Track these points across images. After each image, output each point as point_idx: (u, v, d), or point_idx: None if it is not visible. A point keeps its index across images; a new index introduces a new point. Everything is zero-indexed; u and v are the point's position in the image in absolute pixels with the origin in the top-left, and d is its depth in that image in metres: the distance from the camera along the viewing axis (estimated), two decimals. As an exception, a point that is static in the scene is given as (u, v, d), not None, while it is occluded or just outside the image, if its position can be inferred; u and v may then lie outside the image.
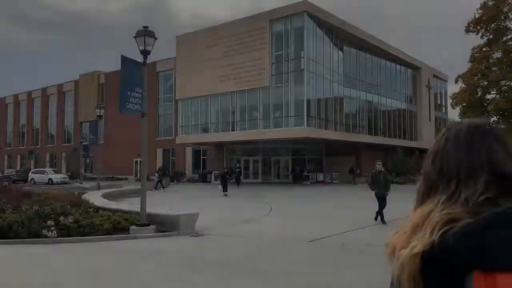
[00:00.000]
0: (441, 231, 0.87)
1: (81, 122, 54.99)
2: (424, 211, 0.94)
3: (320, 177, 36.54)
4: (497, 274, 0.80)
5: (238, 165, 35.88)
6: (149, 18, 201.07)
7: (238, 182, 28.74)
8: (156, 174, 30.04)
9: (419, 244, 0.88)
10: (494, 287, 0.80)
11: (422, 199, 1.00)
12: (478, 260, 0.82)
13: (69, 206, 11.30)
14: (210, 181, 37.52)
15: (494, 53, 24.47)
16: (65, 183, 41.10)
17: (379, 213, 11.73)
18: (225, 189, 23.05)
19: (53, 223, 9.77)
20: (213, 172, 38.41)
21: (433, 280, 0.87)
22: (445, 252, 0.85)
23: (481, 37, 25.32)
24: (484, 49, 24.84)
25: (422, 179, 1.04)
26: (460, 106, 25.14)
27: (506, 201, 0.88)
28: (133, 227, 10.38)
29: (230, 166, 34.07)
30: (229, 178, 24.57)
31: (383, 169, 12.04)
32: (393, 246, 0.95)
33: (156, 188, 27.78)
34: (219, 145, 39.87)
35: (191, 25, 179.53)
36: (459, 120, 1.15)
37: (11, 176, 42.65)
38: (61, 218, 10.04)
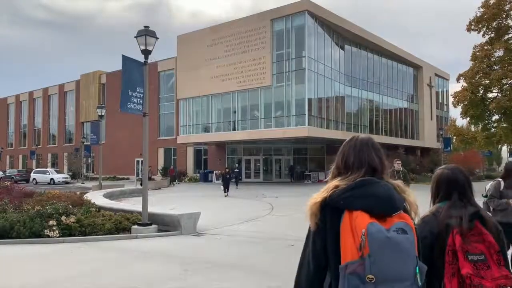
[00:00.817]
0: (331, 191, 1.66)
1: (83, 122, 55.04)
2: (331, 182, 1.74)
3: (322, 176, 36.49)
4: (354, 212, 1.57)
5: (237, 165, 35.82)
6: (150, 17, 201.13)
7: (237, 182, 28.36)
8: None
9: (319, 197, 1.68)
10: (352, 218, 1.56)
11: (332, 177, 1.80)
12: (346, 205, 1.60)
13: (71, 206, 11.31)
14: (211, 181, 37.52)
15: (495, 52, 24.37)
16: (67, 183, 41.16)
17: None
18: (226, 189, 22.69)
19: (55, 223, 9.77)
20: (214, 172, 38.42)
21: (325, 216, 1.64)
22: (331, 201, 1.64)
23: (483, 35, 25.21)
24: (485, 47, 24.72)
25: (334, 167, 1.84)
26: (462, 104, 25.01)
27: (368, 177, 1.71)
28: (134, 226, 10.39)
29: (231, 166, 34.07)
30: (230, 178, 24.27)
31: (401, 168, 10.72)
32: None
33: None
34: (221, 145, 39.87)
35: (191, 24, 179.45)
36: (356, 134, 1.91)
37: (13, 176, 42.69)
38: (63, 218, 10.04)
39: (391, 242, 1.50)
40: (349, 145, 1.83)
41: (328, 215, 1.62)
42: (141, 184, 17.78)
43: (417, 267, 1.55)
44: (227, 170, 24.72)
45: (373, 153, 1.78)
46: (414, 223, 1.65)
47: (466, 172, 2.20)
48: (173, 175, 35.22)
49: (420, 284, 1.55)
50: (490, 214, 2.14)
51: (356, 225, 1.54)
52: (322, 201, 1.65)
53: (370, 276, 1.47)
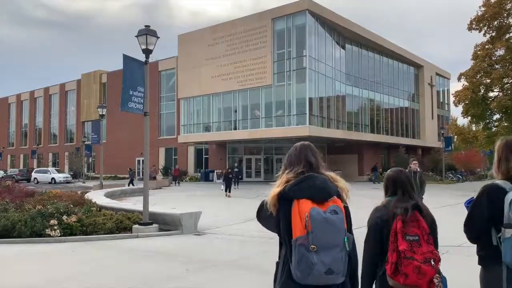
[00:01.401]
0: (283, 186, 2.21)
1: (84, 122, 55.09)
2: (282, 177, 2.30)
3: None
4: (300, 200, 2.10)
5: (236, 164, 35.74)
6: (149, 16, 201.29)
7: (237, 182, 27.96)
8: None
9: (276, 191, 2.23)
10: (299, 205, 2.09)
11: (282, 172, 2.37)
12: (294, 196, 2.13)
13: (72, 205, 11.33)
14: (212, 180, 37.53)
15: (497, 51, 24.33)
16: (68, 182, 41.21)
17: None
18: (228, 189, 22.09)
19: (56, 222, 9.78)
20: (215, 171, 38.42)
21: (281, 205, 2.17)
22: (284, 193, 2.17)
23: (484, 34, 25.16)
24: (486, 46, 24.69)
25: (283, 164, 2.44)
26: (463, 104, 24.98)
27: (309, 173, 2.28)
28: (135, 226, 10.40)
29: (232, 165, 34.01)
30: (232, 178, 23.93)
31: (418, 169, 10.37)
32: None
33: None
34: (221, 144, 39.88)
35: (191, 23, 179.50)
36: (303, 141, 2.55)
37: (14, 175, 42.76)
38: (64, 217, 10.06)
39: (327, 221, 2.08)
40: (293, 148, 2.48)
41: (283, 204, 2.20)
42: (147, 182, 17.73)
43: (345, 238, 2.13)
44: (229, 170, 24.31)
45: (310, 153, 2.41)
46: (344, 204, 2.25)
47: (406, 173, 2.88)
48: (179, 175, 34.85)
49: (348, 249, 2.14)
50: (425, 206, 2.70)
51: (302, 209, 2.10)
52: (278, 194, 2.22)
53: (313, 246, 2.05)
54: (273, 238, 8.44)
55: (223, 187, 22.88)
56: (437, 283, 2.48)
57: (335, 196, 2.20)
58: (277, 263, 2.43)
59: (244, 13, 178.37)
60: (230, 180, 22.73)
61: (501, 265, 2.43)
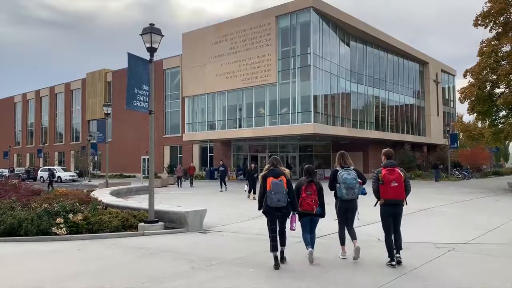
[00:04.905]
0: (265, 172, 6.93)
1: (89, 120, 55.33)
2: (264, 168, 7.12)
3: (328, 173, 36.40)
4: (269, 177, 6.74)
5: (250, 162, 35.58)
6: (151, 15, 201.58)
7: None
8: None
9: (262, 173, 6.99)
10: (269, 179, 6.70)
11: (266, 167, 7.20)
12: (267, 175, 6.80)
13: (78, 204, 11.39)
14: (217, 178, 37.54)
15: (503, 47, 24.08)
16: (74, 181, 41.45)
17: None
18: (253, 189, 18.78)
19: (62, 221, 9.84)
20: (236, 167, 38.37)
21: (263, 179, 6.85)
22: (264, 175, 6.87)
23: (490, 30, 24.91)
24: (492, 42, 24.44)
25: (267, 163, 7.23)
26: (469, 100, 24.77)
27: (272, 168, 7.00)
28: (141, 224, 10.43)
29: (243, 163, 33.35)
30: (257, 176, 18.10)
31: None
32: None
33: (179, 186, 29.17)
34: (226, 142, 39.91)
35: (193, 22, 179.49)
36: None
37: (20, 174, 43.02)
38: (70, 215, 10.11)
39: (277, 183, 6.60)
40: (271, 158, 7.11)
41: (264, 178, 6.80)
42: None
43: (283, 189, 6.60)
44: (253, 165, 20.65)
45: (274, 160, 7.01)
46: (286, 178, 6.77)
47: (312, 167, 7.26)
48: (190, 174, 30.29)
49: (285, 193, 6.61)
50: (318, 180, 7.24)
51: (270, 181, 6.65)
52: (263, 175, 6.85)
53: (272, 192, 6.55)
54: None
55: (246, 187, 19.79)
56: (315, 210, 6.86)
57: (282, 176, 6.71)
58: (261, 200, 6.89)
59: (245, 11, 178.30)
60: (255, 179, 18.64)
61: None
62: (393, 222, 6.71)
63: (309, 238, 6.98)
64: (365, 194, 6.99)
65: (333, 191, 7.12)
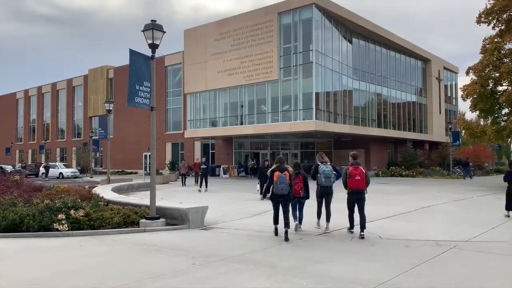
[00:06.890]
0: (273, 167, 9.12)
1: (91, 117, 55.37)
2: (273, 164, 9.31)
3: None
4: (276, 171, 8.84)
5: (251, 159, 35.40)
6: (150, 11, 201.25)
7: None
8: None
9: (271, 168, 9.21)
10: (276, 172, 8.81)
11: (274, 163, 9.54)
12: (275, 170, 8.90)
13: (79, 200, 11.41)
14: (219, 175, 37.66)
15: (506, 44, 23.99)
16: (76, 177, 41.50)
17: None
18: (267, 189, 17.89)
19: (64, 217, 9.86)
20: (221, 166, 38.44)
21: (271, 172, 8.96)
22: (273, 170, 9.01)
23: (493, 28, 24.81)
24: (495, 40, 24.34)
25: (275, 160, 9.62)
26: (471, 98, 24.69)
27: (278, 164, 9.21)
28: (142, 220, 10.45)
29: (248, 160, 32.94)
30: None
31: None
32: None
33: (183, 184, 26.48)
34: (228, 139, 39.90)
35: (193, 19, 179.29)
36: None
37: (21, 170, 43.11)
38: (72, 211, 10.13)
39: (281, 176, 8.72)
40: (277, 157, 9.51)
41: (272, 173, 8.90)
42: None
43: (286, 181, 8.73)
44: (266, 162, 18.86)
45: (281, 159, 9.21)
46: (289, 173, 8.93)
47: (299, 162, 10.01)
48: (198, 171, 24.98)
49: (287, 184, 8.78)
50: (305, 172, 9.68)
51: (276, 174, 8.75)
52: (271, 170, 9.01)
53: (277, 182, 8.69)
54: (280, 234, 8.45)
55: (258, 186, 18.01)
56: (301, 194, 9.47)
57: (286, 171, 8.85)
58: (267, 188, 9.37)
59: (245, 8, 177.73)
60: (267, 177, 17.38)
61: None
62: (357, 205, 8.99)
63: (297, 214, 9.61)
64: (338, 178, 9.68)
65: (315, 180, 9.77)
